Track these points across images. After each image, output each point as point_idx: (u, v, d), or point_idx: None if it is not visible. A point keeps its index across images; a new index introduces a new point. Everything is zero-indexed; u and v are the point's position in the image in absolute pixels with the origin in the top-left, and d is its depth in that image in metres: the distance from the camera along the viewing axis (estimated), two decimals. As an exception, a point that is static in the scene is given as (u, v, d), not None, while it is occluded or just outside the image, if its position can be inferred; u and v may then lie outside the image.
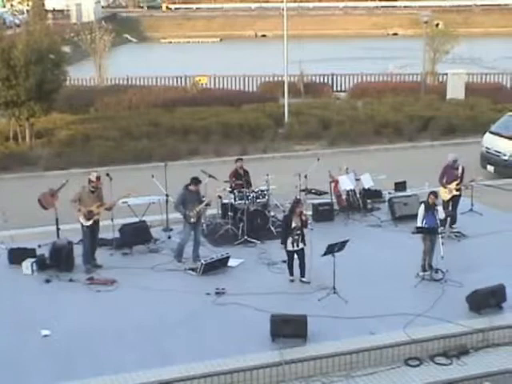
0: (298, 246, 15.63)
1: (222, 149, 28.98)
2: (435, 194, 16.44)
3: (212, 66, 48.72)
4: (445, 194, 18.79)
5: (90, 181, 16.55)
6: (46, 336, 13.67)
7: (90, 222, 16.43)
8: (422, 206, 16.22)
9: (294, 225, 15.53)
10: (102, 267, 16.80)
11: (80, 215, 16.38)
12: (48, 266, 16.70)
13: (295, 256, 15.81)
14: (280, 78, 39.44)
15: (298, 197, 20.88)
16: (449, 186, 18.76)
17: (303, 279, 15.78)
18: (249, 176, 19.74)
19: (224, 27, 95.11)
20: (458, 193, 18.96)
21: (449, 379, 12.90)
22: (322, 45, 77.88)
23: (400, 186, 21.92)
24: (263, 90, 41.51)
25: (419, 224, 16.06)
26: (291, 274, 15.92)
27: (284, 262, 16.53)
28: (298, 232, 15.55)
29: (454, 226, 18.78)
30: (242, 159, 20.27)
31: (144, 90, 39.74)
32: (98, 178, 16.61)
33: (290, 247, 15.66)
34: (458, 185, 18.79)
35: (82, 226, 16.50)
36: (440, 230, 16.00)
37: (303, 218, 15.61)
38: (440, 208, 16.34)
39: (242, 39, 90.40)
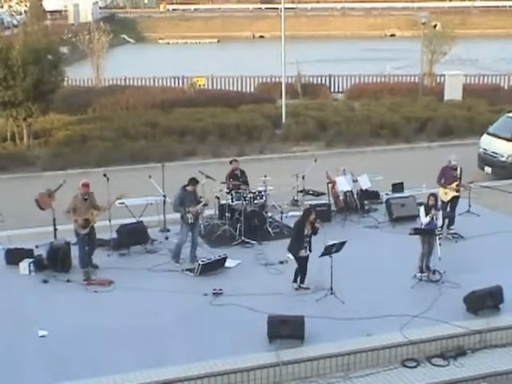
0: (305, 252, 15.44)
1: (219, 149, 28.98)
2: (435, 195, 16.43)
3: (209, 67, 48.78)
4: (444, 195, 18.78)
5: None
6: (43, 336, 13.66)
7: (87, 231, 16.38)
8: (422, 208, 16.22)
9: (305, 232, 15.39)
10: (99, 268, 16.76)
11: (76, 225, 16.30)
12: (45, 267, 16.68)
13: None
14: (277, 79, 39.53)
15: (295, 198, 20.98)
16: (449, 186, 18.74)
17: (303, 285, 15.63)
18: (246, 176, 19.74)
19: (221, 28, 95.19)
20: (457, 194, 18.97)
21: (446, 380, 12.89)
22: (319, 46, 77.99)
23: (397, 187, 21.90)
24: (260, 91, 41.54)
25: (424, 223, 16.04)
26: (296, 280, 15.64)
27: (281, 262, 16.60)
28: (308, 239, 15.44)
29: (451, 227, 18.79)
30: (237, 160, 20.27)
31: (141, 91, 39.75)
32: (85, 185, 16.41)
33: (300, 254, 15.45)
34: (457, 185, 18.78)
35: (77, 234, 16.43)
36: (437, 231, 16.01)
37: (317, 225, 15.38)
38: (440, 213, 16.30)
39: (240, 40, 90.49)
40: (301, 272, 15.60)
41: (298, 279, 15.65)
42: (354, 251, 16.50)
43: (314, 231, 15.44)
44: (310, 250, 15.44)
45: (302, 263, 15.52)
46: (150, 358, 12.85)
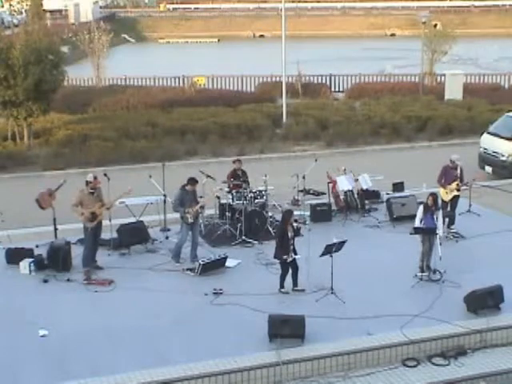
0: (291, 256, 15.28)
1: (219, 149, 29.00)
2: (435, 195, 16.42)
3: (210, 67, 48.81)
4: (445, 195, 18.78)
5: (87, 182, 16.46)
6: (43, 336, 13.66)
7: (95, 223, 16.37)
8: (421, 207, 16.22)
9: (289, 235, 15.28)
10: (103, 269, 16.72)
11: (83, 219, 16.30)
12: (46, 266, 16.68)
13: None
14: (278, 79, 39.54)
15: (296, 197, 21.00)
16: (449, 186, 18.74)
17: (297, 288, 15.51)
18: (247, 176, 19.76)
19: (222, 27, 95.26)
20: (458, 193, 18.97)
21: (446, 380, 12.89)
22: (319, 45, 77.98)
23: (398, 186, 21.92)
24: (261, 91, 41.55)
25: (417, 224, 16.05)
26: (283, 286, 15.53)
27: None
28: (292, 242, 15.37)
29: (451, 226, 18.79)
30: (240, 160, 20.27)
31: (142, 91, 39.83)
32: (96, 178, 16.53)
33: (288, 259, 15.29)
34: (458, 185, 18.78)
35: (86, 228, 16.40)
36: (438, 230, 16.01)
37: (295, 225, 15.33)
38: (440, 213, 16.29)
39: (240, 39, 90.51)
40: (292, 275, 15.46)
41: (287, 283, 15.49)
42: (354, 251, 16.53)
43: (296, 232, 15.43)
44: (296, 253, 15.38)
45: (292, 267, 15.39)
46: (150, 358, 12.85)
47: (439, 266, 15.83)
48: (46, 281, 16.17)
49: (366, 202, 20.88)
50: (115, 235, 17.93)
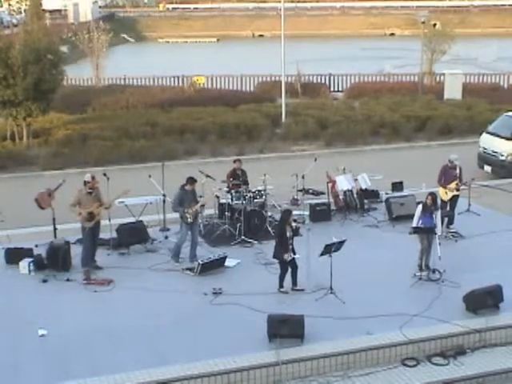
0: (290, 256, 15.27)
1: (218, 149, 29.00)
2: (434, 194, 16.41)
3: (209, 66, 48.82)
4: (445, 195, 18.80)
5: (85, 182, 16.45)
6: (42, 336, 13.66)
7: (92, 223, 16.37)
8: (420, 206, 16.22)
9: (288, 234, 15.29)
10: (103, 269, 16.72)
11: (81, 218, 16.30)
12: (45, 266, 16.67)
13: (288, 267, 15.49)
14: (277, 78, 39.57)
15: (295, 197, 21.01)
16: (449, 186, 18.76)
17: (297, 288, 15.51)
18: (246, 176, 19.76)
19: (221, 27, 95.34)
20: (457, 193, 18.99)
21: (445, 379, 12.89)
22: (319, 45, 77.99)
23: (397, 186, 21.93)
24: (260, 90, 41.60)
25: (414, 224, 16.06)
26: (282, 285, 15.52)
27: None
28: (291, 241, 15.35)
29: (451, 226, 18.80)
30: (240, 160, 20.27)
31: (141, 90, 39.84)
32: (94, 178, 16.52)
33: (286, 258, 15.31)
34: (457, 184, 18.79)
35: (84, 228, 16.40)
36: (436, 230, 16.01)
37: (294, 225, 15.36)
38: (439, 213, 16.29)
39: (240, 39, 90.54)
40: (291, 274, 15.46)
41: (285, 283, 15.48)
42: (353, 250, 16.53)
43: (295, 232, 15.42)
44: (294, 253, 15.35)
45: (291, 266, 15.38)
46: (150, 358, 12.84)
47: (438, 265, 15.83)
48: (45, 281, 16.17)
49: (366, 201, 20.89)
50: (114, 235, 17.94)
